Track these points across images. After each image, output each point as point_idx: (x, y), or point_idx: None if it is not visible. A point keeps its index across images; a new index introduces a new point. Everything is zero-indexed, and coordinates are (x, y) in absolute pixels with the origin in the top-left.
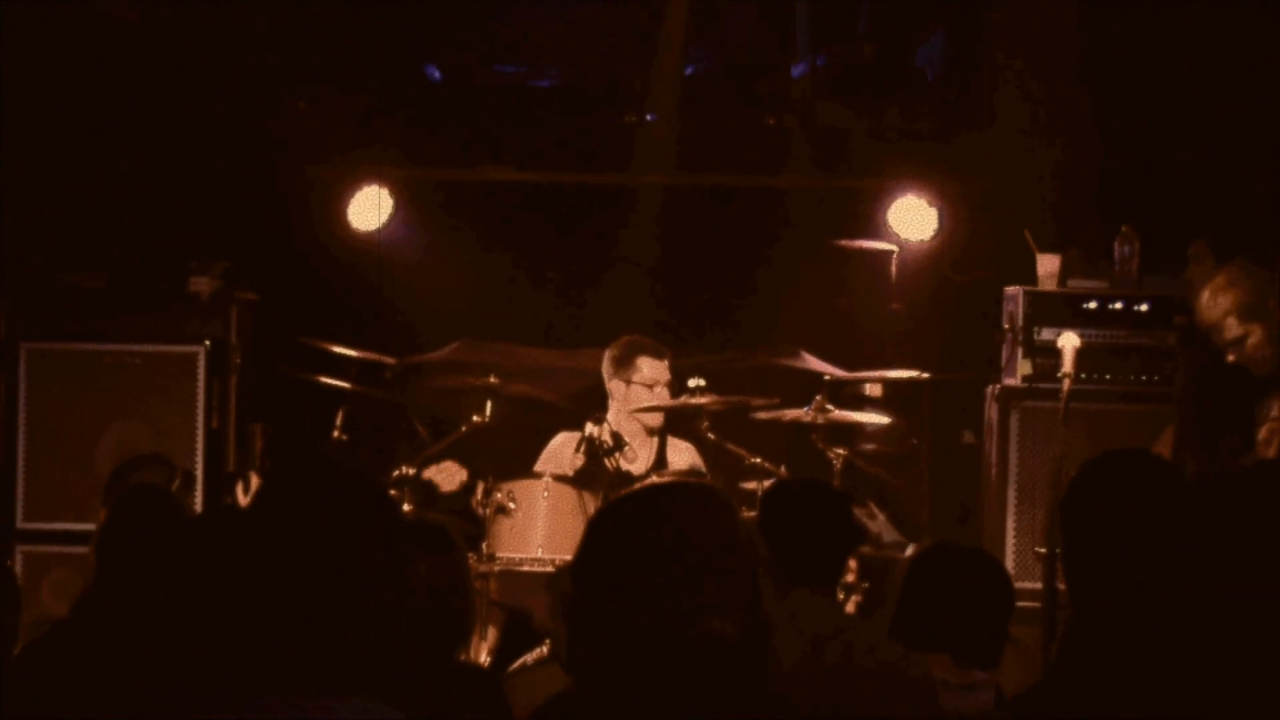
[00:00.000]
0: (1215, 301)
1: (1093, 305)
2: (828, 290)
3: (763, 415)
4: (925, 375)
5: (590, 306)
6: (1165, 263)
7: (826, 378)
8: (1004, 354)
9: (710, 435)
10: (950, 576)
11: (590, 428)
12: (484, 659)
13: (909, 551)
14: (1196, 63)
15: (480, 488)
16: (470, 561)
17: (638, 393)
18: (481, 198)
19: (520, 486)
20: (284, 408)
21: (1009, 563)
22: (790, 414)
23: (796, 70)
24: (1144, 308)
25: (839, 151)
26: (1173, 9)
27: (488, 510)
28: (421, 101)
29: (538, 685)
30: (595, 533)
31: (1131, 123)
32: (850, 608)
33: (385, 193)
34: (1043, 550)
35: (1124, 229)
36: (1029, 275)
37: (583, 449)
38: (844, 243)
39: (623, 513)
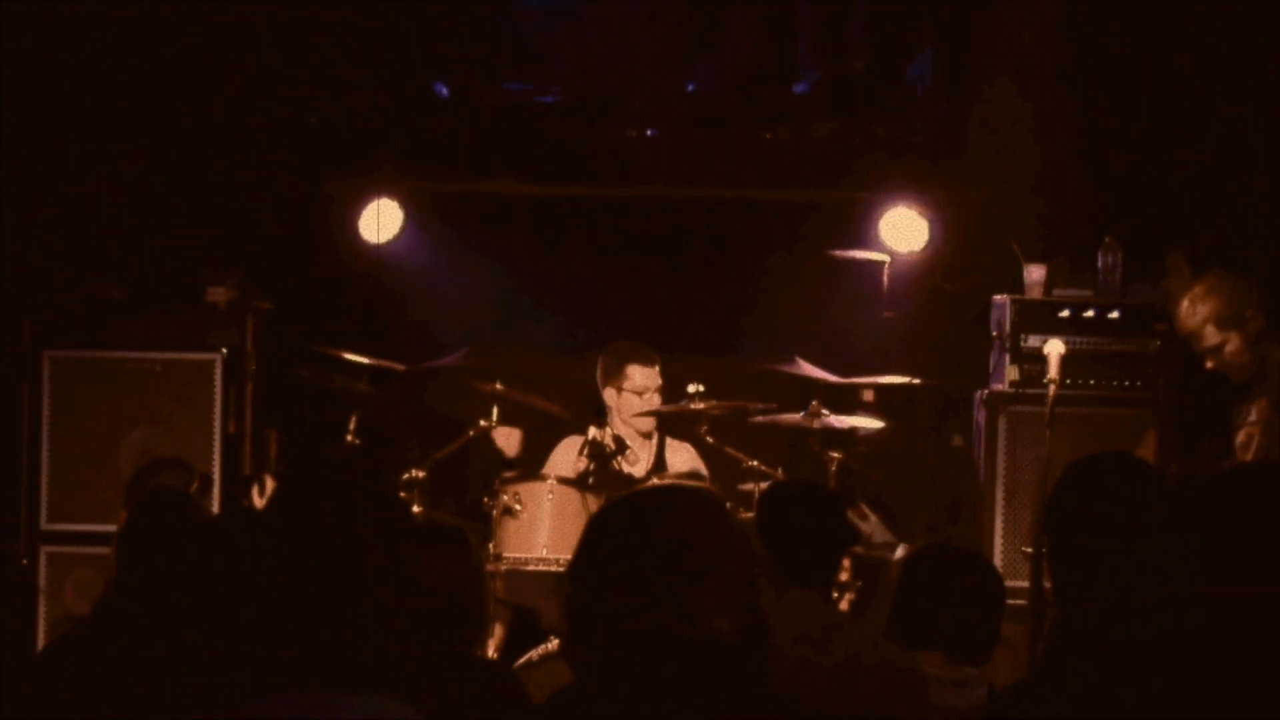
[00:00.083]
0: (1194, 310)
1: (1078, 313)
2: (822, 299)
3: (760, 419)
4: (916, 381)
5: (593, 314)
6: (1147, 272)
7: (821, 383)
8: (992, 360)
9: (709, 439)
10: (943, 576)
11: (593, 431)
12: (491, 655)
13: (899, 552)
14: (1182, 76)
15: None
16: None
17: (629, 400)
18: (488, 209)
19: (526, 488)
20: (298, 413)
21: (997, 562)
22: (786, 418)
23: (799, 88)
24: (1126, 315)
25: (833, 165)
26: (1159, 21)
27: (494, 511)
28: (430, 117)
29: (543, 681)
30: (594, 533)
31: (1115, 137)
32: (844, 605)
33: (395, 205)
34: (1029, 550)
35: (1107, 239)
36: (1016, 284)
37: (586, 452)
38: (838, 253)
39: (621, 514)
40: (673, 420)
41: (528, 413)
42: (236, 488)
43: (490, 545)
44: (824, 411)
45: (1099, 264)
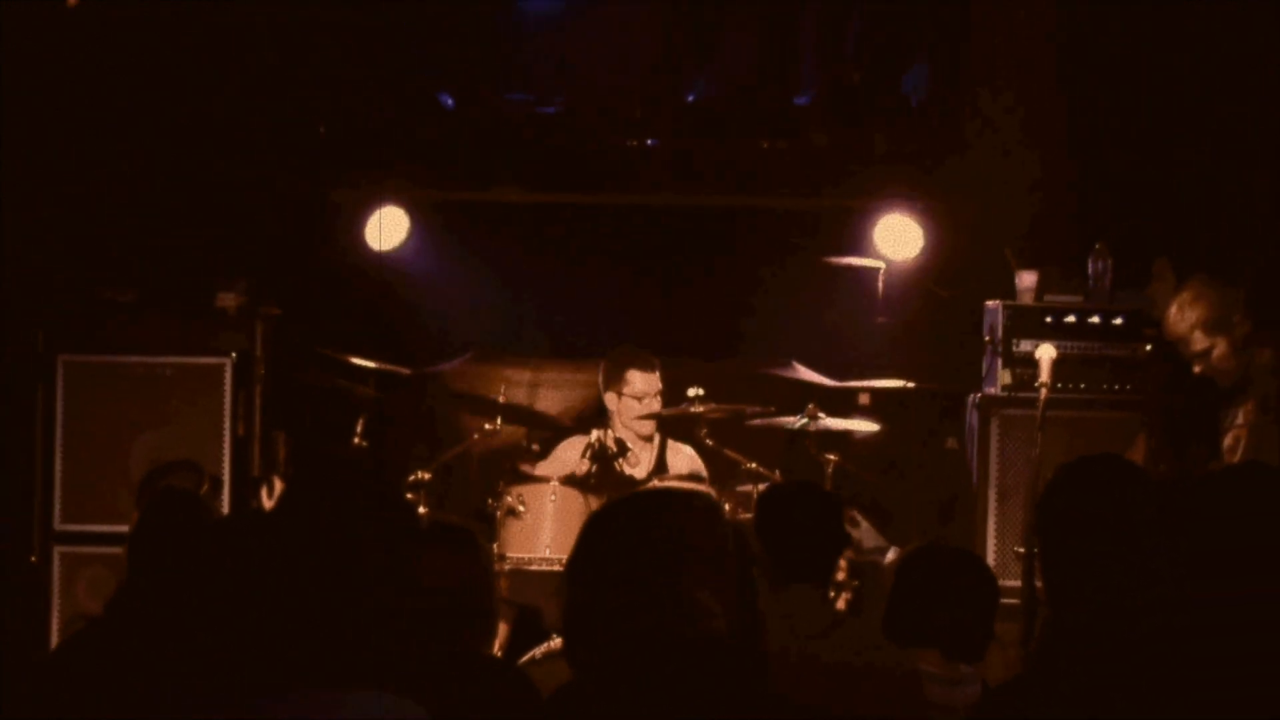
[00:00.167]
0: (1182, 316)
1: (1068, 318)
2: (819, 305)
3: (758, 422)
4: (911, 385)
5: (594, 320)
6: (1137, 278)
7: (818, 387)
8: (985, 364)
9: (708, 441)
10: (938, 576)
11: (595, 434)
12: (495, 653)
13: (890, 556)
14: (1178, 80)
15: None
16: None
17: (629, 404)
18: (492, 217)
19: (529, 490)
20: (306, 416)
21: (990, 561)
22: (784, 421)
23: (800, 100)
24: (1116, 321)
25: (829, 174)
26: (1154, 26)
27: (498, 512)
28: (435, 127)
29: (545, 678)
30: (591, 534)
31: (1107, 146)
32: (840, 605)
33: (401, 213)
34: (1021, 550)
35: (1097, 246)
36: (1008, 290)
37: (588, 454)
38: (834, 260)
39: (618, 515)
40: (673, 423)
41: (529, 416)
42: (246, 489)
43: (494, 546)
44: (821, 414)
45: (1089, 270)
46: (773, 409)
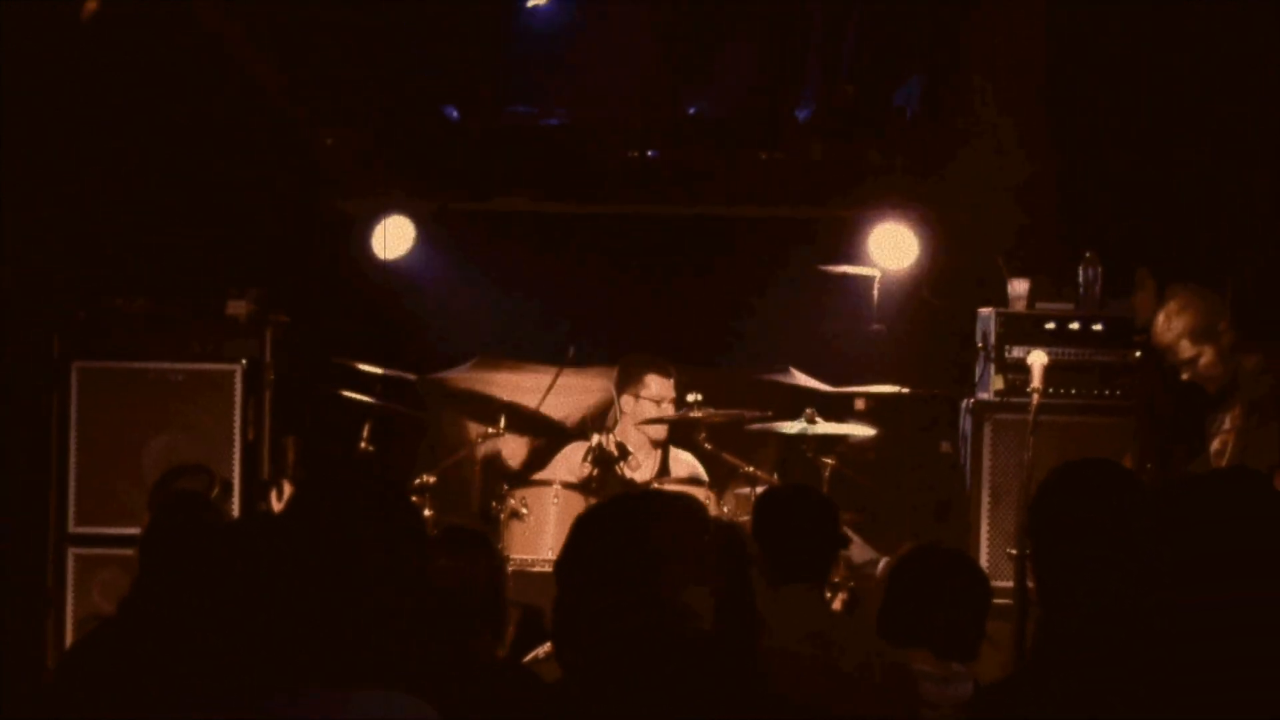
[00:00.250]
0: (1169, 326)
1: (1059, 325)
2: (816, 312)
3: (756, 427)
4: (905, 390)
5: (596, 327)
6: (1126, 286)
7: (814, 392)
8: (978, 370)
9: (708, 445)
10: (931, 576)
11: (596, 438)
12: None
13: (882, 566)
14: (1169, 91)
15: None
16: None
17: (645, 407)
18: (495, 227)
19: (532, 493)
20: (314, 421)
21: (983, 563)
22: (781, 426)
23: (800, 114)
24: (1105, 328)
25: (825, 185)
26: (1147, 31)
27: (502, 515)
28: (441, 139)
29: (548, 678)
30: (578, 537)
31: (1097, 156)
32: (837, 605)
33: (407, 222)
34: (1014, 551)
35: (1088, 255)
36: (1000, 298)
37: (589, 458)
38: (830, 268)
39: (604, 518)
40: (674, 429)
41: (532, 421)
42: (255, 492)
43: (499, 547)
44: (817, 419)
45: (1080, 278)
46: (770, 414)
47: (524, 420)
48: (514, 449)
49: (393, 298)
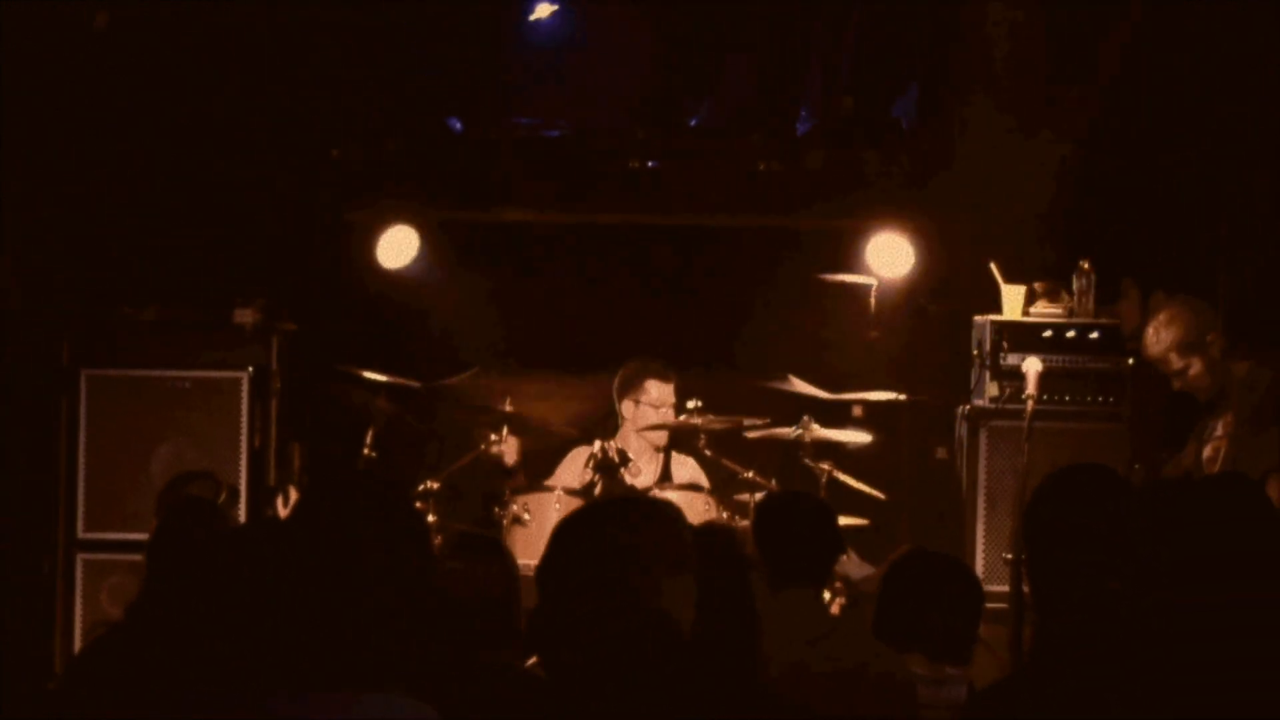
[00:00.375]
0: (1158, 337)
1: (1053, 333)
2: (813, 320)
3: (755, 434)
4: (902, 397)
5: (597, 335)
6: (1117, 294)
7: (812, 399)
8: (973, 377)
9: (707, 452)
10: (925, 581)
11: (597, 444)
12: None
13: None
14: (1168, 94)
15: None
16: None
17: (645, 413)
18: (498, 236)
19: (534, 499)
20: (320, 428)
21: (979, 568)
22: (780, 432)
23: (801, 127)
24: (1098, 335)
25: (823, 194)
26: (1142, 39)
27: (504, 520)
28: (444, 150)
29: None
30: (555, 543)
31: (1093, 164)
32: (835, 609)
33: (411, 232)
34: (1009, 556)
35: (1082, 264)
36: (995, 306)
37: (591, 464)
38: (827, 277)
39: (579, 524)
40: (675, 435)
41: (534, 427)
42: (262, 498)
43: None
44: (815, 426)
45: (1073, 286)
46: (769, 420)
47: (527, 427)
48: (516, 455)
49: (397, 306)
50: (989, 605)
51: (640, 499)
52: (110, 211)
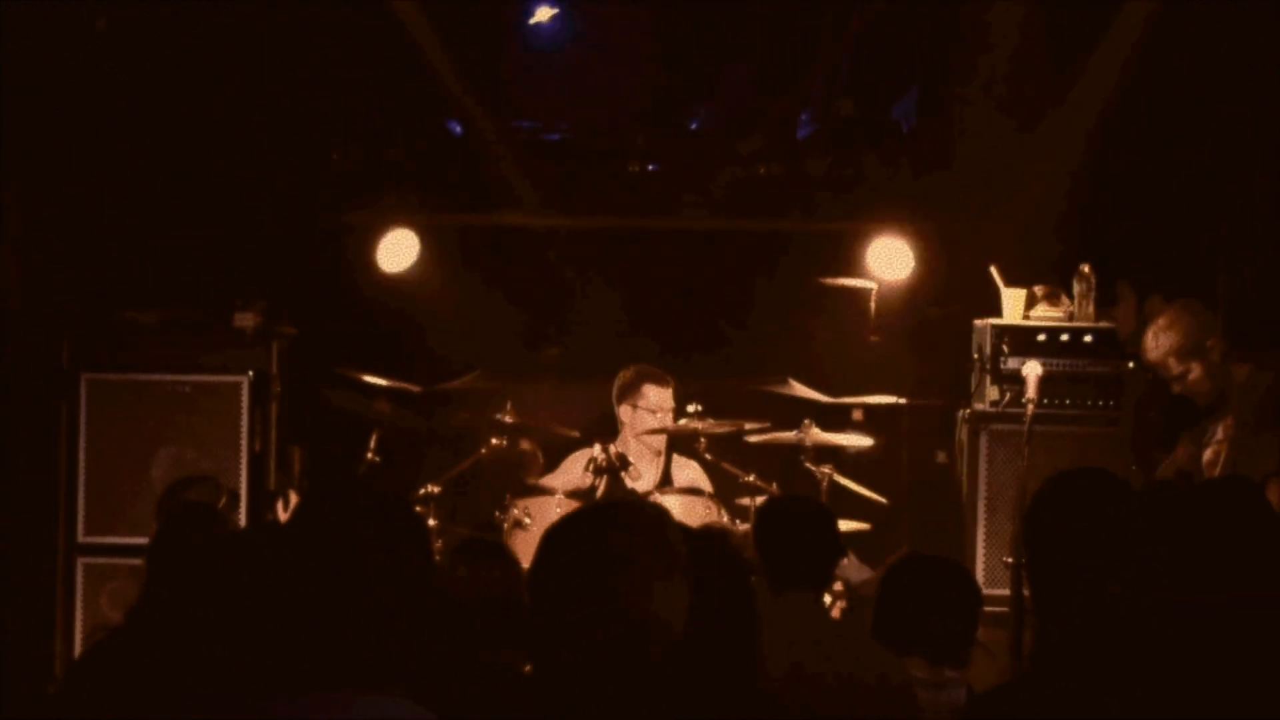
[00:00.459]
0: (1157, 343)
1: (1054, 337)
2: (814, 324)
3: (755, 438)
4: (902, 401)
5: (597, 338)
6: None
7: (813, 403)
8: (973, 381)
9: (708, 455)
10: (922, 583)
11: (597, 447)
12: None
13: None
14: (1168, 96)
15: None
16: None
17: (643, 417)
18: (498, 240)
19: (535, 502)
20: (320, 432)
21: (979, 571)
22: (780, 436)
23: (801, 133)
24: (1099, 339)
25: (824, 198)
26: (1142, 41)
27: (505, 524)
28: (444, 153)
29: None
30: (543, 549)
31: (1093, 168)
32: (836, 613)
33: (411, 236)
34: (1009, 560)
35: (1082, 268)
36: (996, 309)
37: (591, 468)
38: (828, 280)
39: (566, 531)
40: (676, 439)
41: (536, 431)
42: (262, 502)
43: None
44: (815, 429)
45: (1074, 290)
46: (769, 424)
47: (527, 430)
48: (517, 459)
49: (397, 310)
50: (990, 609)
51: (627, 503)
52: (111, 216)
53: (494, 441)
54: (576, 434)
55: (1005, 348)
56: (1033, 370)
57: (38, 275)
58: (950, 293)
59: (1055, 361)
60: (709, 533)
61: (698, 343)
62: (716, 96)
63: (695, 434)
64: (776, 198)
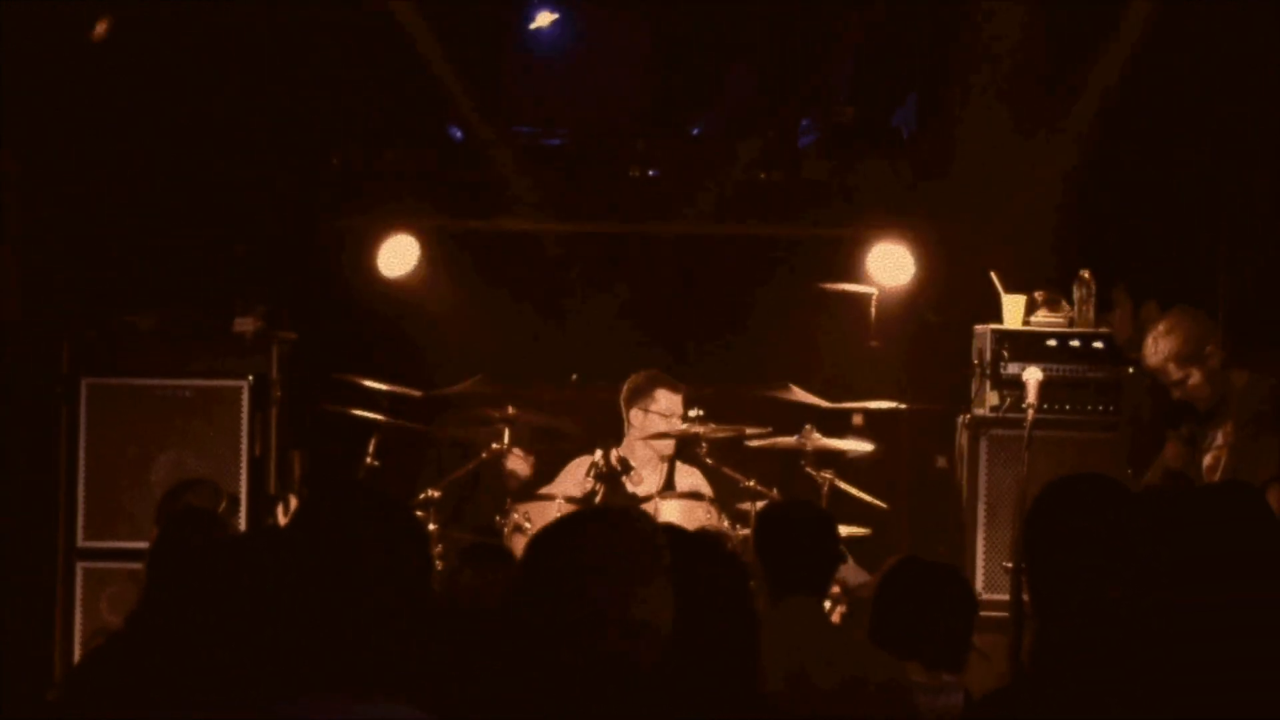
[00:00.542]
0: (1156, 348)
1: (1053, 342)
2: (814, 329)
3: (756, 443)
4: (903, 406)
5: (597, 344)
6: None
7: (813, 408)
8: (974, 387)
9: (708, 460)
10: (920, 589)
11: (598, 453)
12: None
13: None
14: (1168, 96)
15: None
16: None
17: (654, 421)
18: (498, 245)
19: (536, 507)
20: (320, 436)
21: (979, 576)
22: (781, 441)
23: (803, 141)
24: (1098, 345)
25: (824, 203)
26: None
27: (506, 529)
28: (445, 159)
29: None
30: (526, 558)
31: (1093, 172)
32: (835, 618)
33: (412, 241)
34: (1009, 565)
35: (1081, 273)
36: (996, 315)
37: (593, 473)
38: (828, 286)
39: (548, 539)
40: (682, 444)
41: (538, 436)
42: (262, 507)
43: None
44: (816, 435)
45: (1074, 296)
46: (770, 429)
47: (528, 435)
48: (518, 464)
49: (397, 315)
50: (990, 614)
51: (608, 509)
52: (112, 220)
53: (494, 446)
54: (578, 431)
55: (1005, 353)
56: (1033, 376)
57: (38, 279)
58: (951, 298)
59: (1055, 367)
60: (703, 536)
61: (698, 348)
62: (717, 102)
63: (697, 438)
64: (777, 203)
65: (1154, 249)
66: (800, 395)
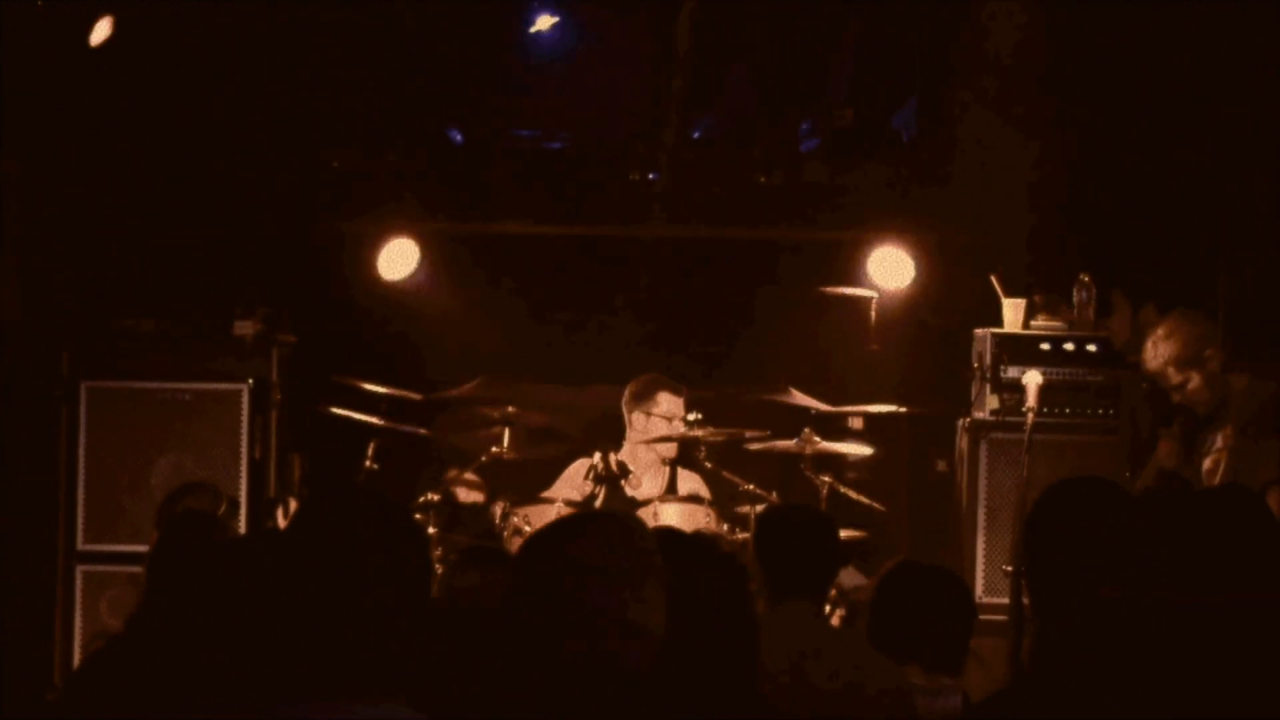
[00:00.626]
0: (1156, 352)
1: (1054, 346)
2: (814, 333)
3: (755, 446)
4: (902, 410)
5: (597, 347)
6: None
7: (813, 412)
8: (973, 390)
9: (708, 464)
10: (918, 592)
11: (597, 456)
12: None
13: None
14: (1169, 97)
15: (499, 511)
16: None
17: (656, 424)
18: (499, 248)
19: (535, 510)
20: (320, 440)
21: (979, 579)
22: (780, 444)
23: (805, 146)
24: (1098, 348)
25: (824, 207)
26: (1142, 41)
27: (505, 532)
28: (445, 162)
29: None
30: (517, 563)
31: (1093, 176)
32: (835, 621)
33: (412, 244)
34: (1009, 568)
35: (1082, 277)
36: (996, 318)
37: (591, 476)
38: (828, 289)
39: (537, 545)
40: (683, 448)
41: (538, 438)
42: (262, 509)
43: None
44: (815, 438)
45: (1074, 299)
46: (769, 433)
47: (528, 438)
48: (518, 467)
49: (397, 318)
50: (990, 618)
51: (598, 513)
52: (111, 223)
53: (494, 450)
54: (579, 431)
55: (1005, 356)
56: (1033, 379)
57: (38, 281)
58: (950, 302)
59: (1055, 370)
60: (703, 537)
61: (698, 351)
62: (717, 106)
63: (697, 441)
64: (777, 206)
65: (1154, 251)
66: (800, 398)
